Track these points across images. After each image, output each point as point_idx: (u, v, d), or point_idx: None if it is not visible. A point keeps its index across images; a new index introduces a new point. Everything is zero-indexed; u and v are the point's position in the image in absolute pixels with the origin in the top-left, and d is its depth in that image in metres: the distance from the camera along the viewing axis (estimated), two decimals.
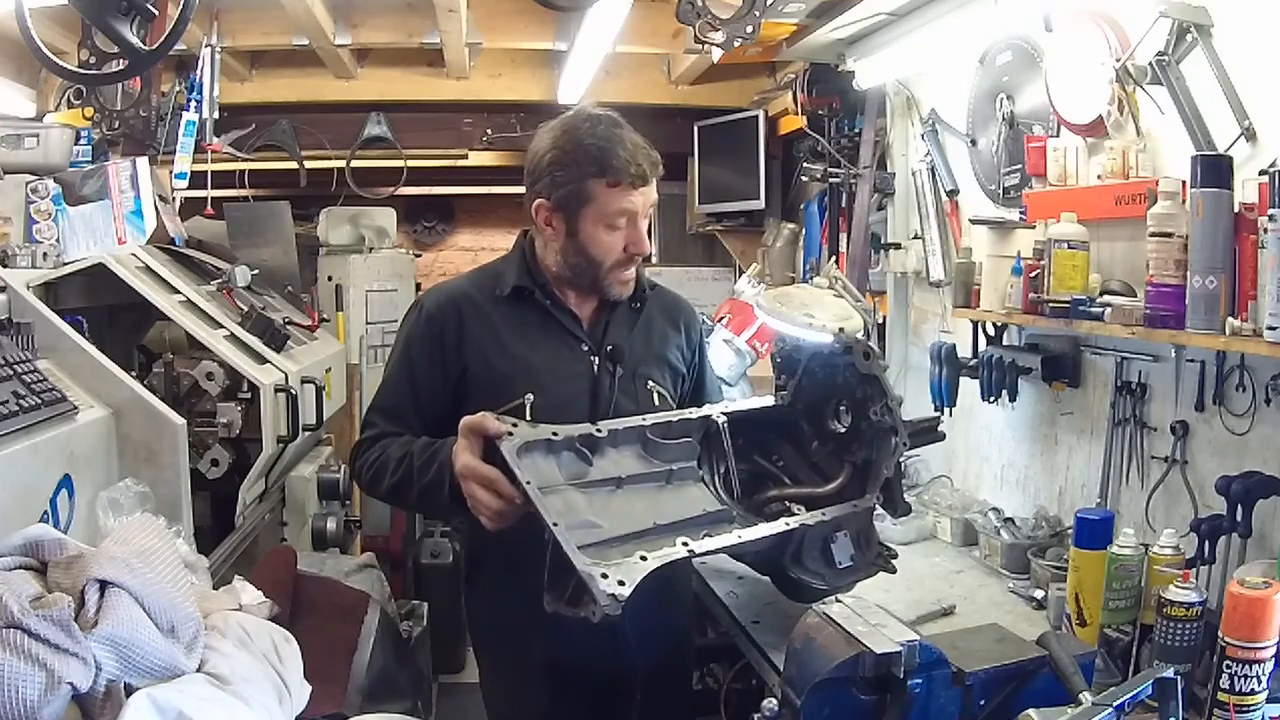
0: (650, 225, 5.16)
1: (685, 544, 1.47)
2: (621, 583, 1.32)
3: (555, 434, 1.55)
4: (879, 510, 1.82)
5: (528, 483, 1.44)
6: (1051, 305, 2.03)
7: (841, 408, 1.85)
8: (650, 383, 1.84)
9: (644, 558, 1.39)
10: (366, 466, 1.76)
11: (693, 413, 1.77)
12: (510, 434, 1.49)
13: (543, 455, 1.54)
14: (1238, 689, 1.36)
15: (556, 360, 1.79)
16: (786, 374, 1.92)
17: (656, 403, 1.82)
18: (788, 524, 1.64)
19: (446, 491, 1.58)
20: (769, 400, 1.92)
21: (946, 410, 2.67)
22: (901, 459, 1.81)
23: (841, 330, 1.90)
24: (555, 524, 1.38)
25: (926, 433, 2.02)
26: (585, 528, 1.46)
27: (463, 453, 1.52)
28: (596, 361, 1.80)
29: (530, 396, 1.69)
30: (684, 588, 2.02)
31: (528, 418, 1.67)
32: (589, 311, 1.85)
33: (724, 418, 1.79)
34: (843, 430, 1.84)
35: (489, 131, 4.86)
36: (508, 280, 1.81)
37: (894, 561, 1.82)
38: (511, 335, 1.79)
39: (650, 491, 1.65)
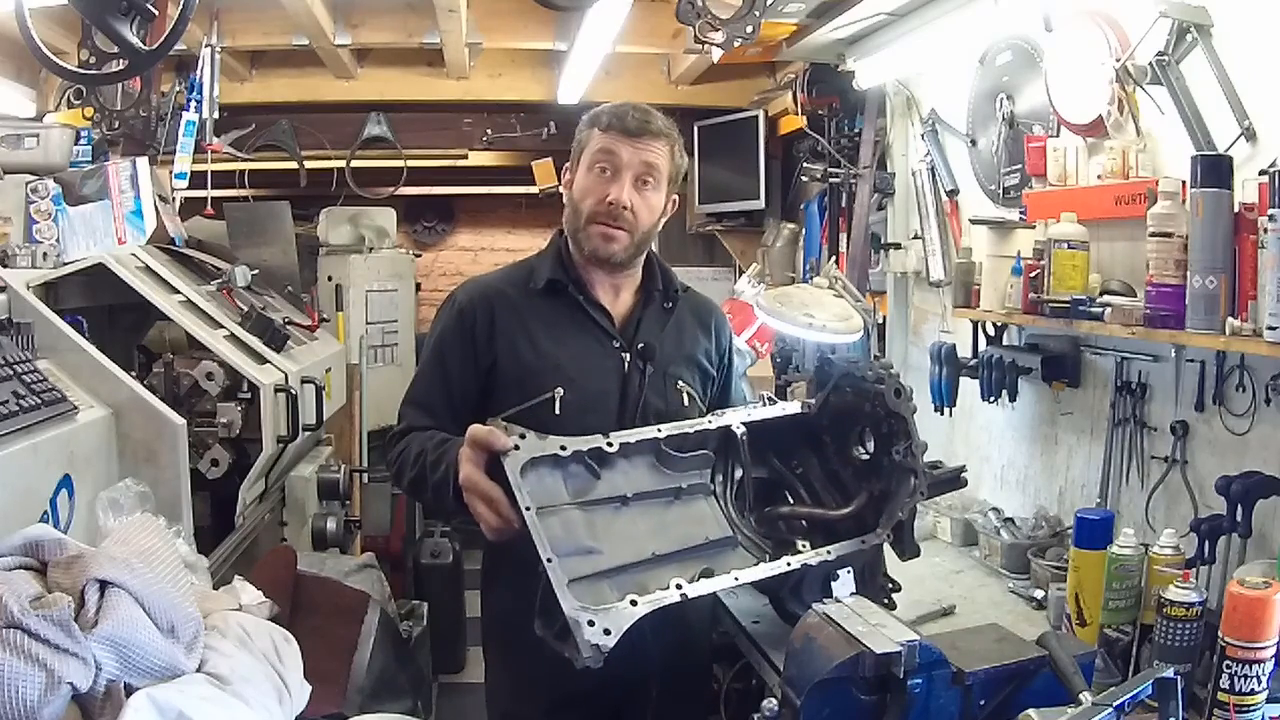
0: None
1: (679, 586, 1.44)
2: (607, 631, 1.30)
3: (563, 448, 1.50)
4: None
5: (528, 509, 1.40)
6: (1051, 305, 2.03)
7: (866, 434, 1.80)
8: (680, 382, 1.84)
9: (634, 602, 1.36)
10: (393, 460, 1.79)
11: (711, 422, 1.70)
12: (517, 448, 1.45)
13: (549, 470, 1.49)
14: (1238, 689, 1.36)
15: (587, 355, 1.79)
16: (818, 384, 1.86)
17: (685, 403, 1.82)
18: (789, 564, 1.60)
19: (451, 493, 1.57)
20: (793, 407, 1.83)
21: (946, 410, 2.68)
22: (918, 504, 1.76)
23: (879, 357, 1.84)
24: (549, 559, 1.35)
25: (948, 483, 1.99)
26: (582, 554, 1.43)
27: (466, 462, 1.50)
28: (627, 359, 1.79)
29: (560, 390, 1.69)
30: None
31: (556, 412, 1.65)
32: (622, 309, 1.86)
33: (743, 429, 1.72)
34: (865, 457, 1.79)
35: (489, 131, 4.87)
36: (541, 274, 1.82)
37: (897, 566, 1.80)
38: (542, 329, 1.79)
39: (657, 510, 1.61)
